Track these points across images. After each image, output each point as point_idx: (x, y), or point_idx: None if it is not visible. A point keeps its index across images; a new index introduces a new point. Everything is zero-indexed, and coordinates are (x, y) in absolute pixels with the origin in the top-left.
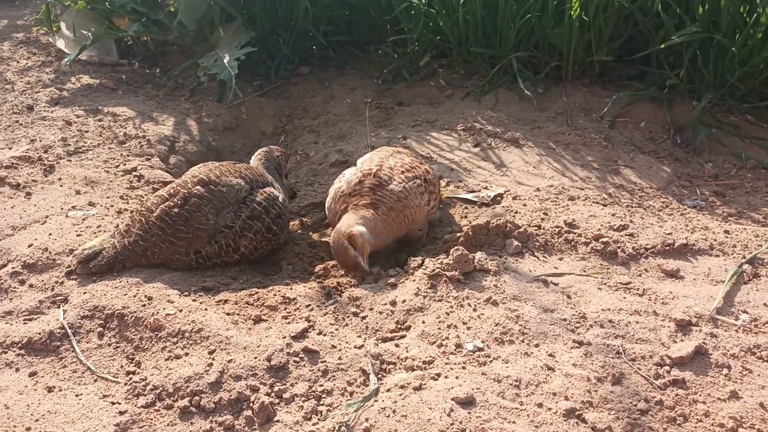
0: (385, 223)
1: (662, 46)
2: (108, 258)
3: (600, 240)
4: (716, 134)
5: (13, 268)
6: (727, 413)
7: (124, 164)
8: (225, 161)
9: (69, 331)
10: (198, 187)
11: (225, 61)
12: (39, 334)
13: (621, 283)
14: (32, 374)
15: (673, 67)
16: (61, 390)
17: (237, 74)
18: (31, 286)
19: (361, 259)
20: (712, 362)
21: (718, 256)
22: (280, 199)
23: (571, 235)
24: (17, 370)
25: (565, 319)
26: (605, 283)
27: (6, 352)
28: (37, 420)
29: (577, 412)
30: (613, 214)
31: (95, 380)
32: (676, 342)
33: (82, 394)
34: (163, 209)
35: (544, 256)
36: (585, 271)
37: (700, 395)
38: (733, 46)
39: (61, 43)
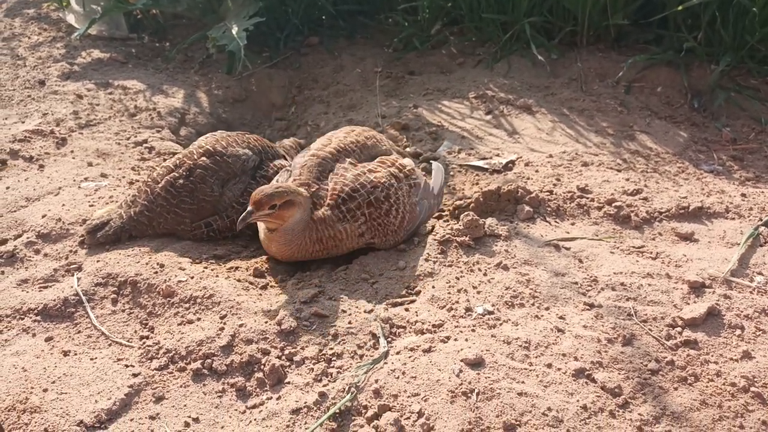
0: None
1: (680, 8)
2: (115, 228)
3: (613, 204)
4: (735, 98)
5: (27, 238)
6: (739, 373)
7: (135, 136)
8: (235, 131)
9: (83, 297)
10: (203, 158)
11: (234, 31)
12: (54, 300)
13: (634, 246)
14: (48, 339)
15: (690, 29)
16: (76, 354)
17: (246, 46)
18: (45, 255)
19: (252, 216)
20: (725, 323)
21: (734, 219)
22: None
23: (584, 200)
24: (34, 335)
25: (576, 283)
26: (618, 247)
27: (23, 318)
28: (53, 382)
29: (586, 372)
30: (628, 179)
31: (109, 345)
32: (688, 304)
33: (96, 357)
34: (168, 180)
35: (555, 221)
36: (597, 236)
37: (712, 355)
38: (753, 6)
39: (71, 18)
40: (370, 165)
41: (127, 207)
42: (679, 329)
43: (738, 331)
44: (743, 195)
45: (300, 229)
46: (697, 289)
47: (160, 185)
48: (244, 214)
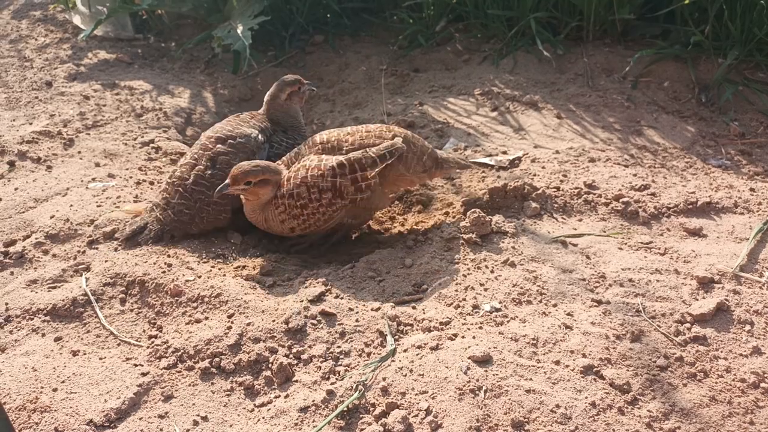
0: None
1: (686, 1)
2: (155, 230)
3: (621, 200)
4: (743, 92)
5: (36, 238)
6: (749, 368)
7: (142, 136)
8: (229, 117)
9: (92, 297)
10: (219, 145)
11: (239, 31)
12: (63, 301)
13: (642, 242)
14: (57, 339)
15: (697, 23)
16: (85, 354)
17: (251, 45)
18: (54, 255)
19: (227, 189)
20: (735, 319)
21: (742, 213)
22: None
23: (591, 196)
24: (43, 335)
25: (584, 279)
26: (626, 243)
27: (32, 319)
28: (63, 381)
29: (594, 369)
30: (635, 175)
31: (118, 344)
32: (697, 299)
33: (105, 357)
34: (197, 174)
35: (563, 218)
36: (605, 232)
37: (721, 351)
38: None
39: (77, 20)
40: (325, 162)
41: (162, 210)
42: (688, 325)
43: (747, 327)
44: (752, 189)
45: (264, 205)
46: (706, 284)
47: (190, 181)
48: (221, 185)
